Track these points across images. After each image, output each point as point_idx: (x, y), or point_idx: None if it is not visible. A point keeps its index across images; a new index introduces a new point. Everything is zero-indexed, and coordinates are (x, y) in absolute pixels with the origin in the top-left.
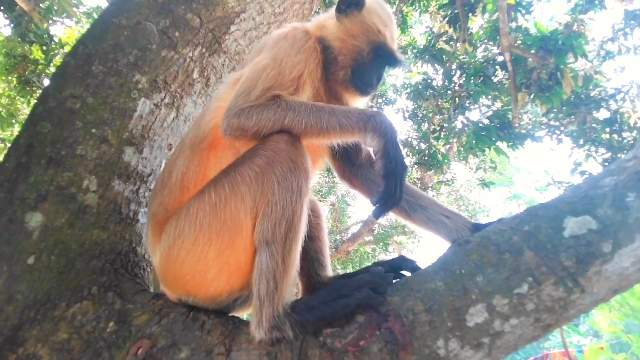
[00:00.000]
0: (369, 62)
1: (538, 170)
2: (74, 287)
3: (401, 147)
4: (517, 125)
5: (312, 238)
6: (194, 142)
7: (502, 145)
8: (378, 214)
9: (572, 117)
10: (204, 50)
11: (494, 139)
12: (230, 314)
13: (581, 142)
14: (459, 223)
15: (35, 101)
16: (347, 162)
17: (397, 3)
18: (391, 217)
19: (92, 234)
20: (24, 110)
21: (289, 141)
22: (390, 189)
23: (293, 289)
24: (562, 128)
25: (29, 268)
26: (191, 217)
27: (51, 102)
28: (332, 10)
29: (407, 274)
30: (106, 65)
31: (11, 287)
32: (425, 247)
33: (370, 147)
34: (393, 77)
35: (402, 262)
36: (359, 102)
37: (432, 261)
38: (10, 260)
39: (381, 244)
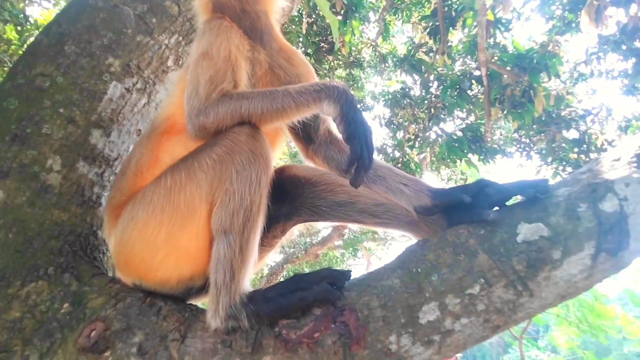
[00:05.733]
0: None
1: None
2: (30, 267)
3: (360, 111)
4: (489, 139)
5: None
6: (149, 132)
7: (473, 158)
8: (354, 181)
9: (542, 135)
10: (180, 38)
11: (465, 151)
12: (188, 302)
13: (549, 160)
14: (419, 189)
15: (4, 77)
16: (309, 141)
17: (380, 11)
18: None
19: (52, 214)
20: None
21: (249, 133)
22: (356, 152)
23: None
24: (532, 145)
25: None
26: (145, 200)
27: (20, 79)
28: None
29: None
30: (79, 46)
31: None
32: (394, 254)
33: (328, 115)
34: (372, 84)
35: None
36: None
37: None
38: None
39: (350, 249)
